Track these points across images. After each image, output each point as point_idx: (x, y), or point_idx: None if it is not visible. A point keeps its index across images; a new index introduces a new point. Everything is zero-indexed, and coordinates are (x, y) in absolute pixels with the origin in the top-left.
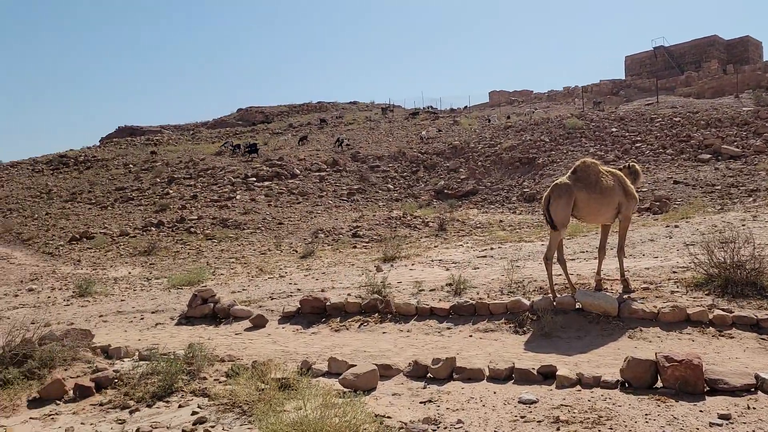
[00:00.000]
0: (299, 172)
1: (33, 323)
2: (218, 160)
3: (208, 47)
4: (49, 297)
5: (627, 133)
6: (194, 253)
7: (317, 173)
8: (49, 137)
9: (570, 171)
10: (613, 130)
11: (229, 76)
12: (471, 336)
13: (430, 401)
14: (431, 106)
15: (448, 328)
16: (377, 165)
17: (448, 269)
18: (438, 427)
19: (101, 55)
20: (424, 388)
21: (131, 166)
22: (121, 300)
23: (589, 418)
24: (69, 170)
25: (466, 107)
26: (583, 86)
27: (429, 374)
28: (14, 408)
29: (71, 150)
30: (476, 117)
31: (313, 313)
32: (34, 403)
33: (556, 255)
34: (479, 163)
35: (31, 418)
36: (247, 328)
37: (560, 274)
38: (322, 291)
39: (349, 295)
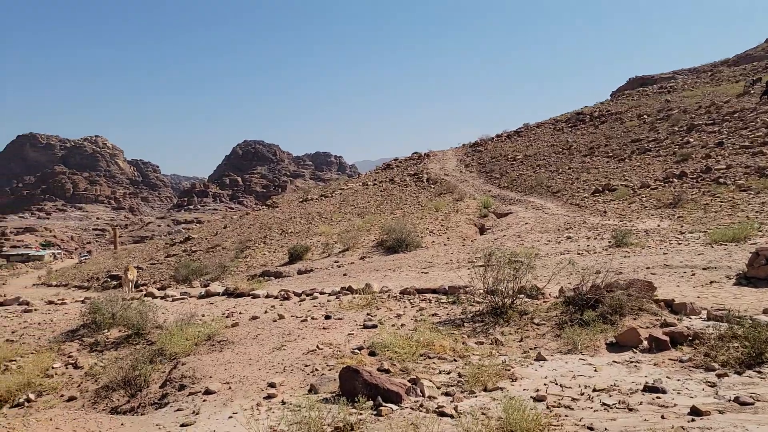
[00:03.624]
0: None
1: (583, 269)
2: (746, 101)
3: None
4: (587, 245)
5: None
6: (727, 206)
7: None
8: (565, 96)
9: None
10: None
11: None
12: None
13: None
14: None
15: None
16: None
17: None
18: None
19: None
20: None
21: (645, 116)
22: (664, 253)
23: None
24: (585, 126)
25: None
26: None
27: None
28: (595, 348)
29: (585, 107)
30: None
31: None
32: (611, 347)
33: None
34: None
35: (614, 361)
36: None
37: None
38: None
39: None
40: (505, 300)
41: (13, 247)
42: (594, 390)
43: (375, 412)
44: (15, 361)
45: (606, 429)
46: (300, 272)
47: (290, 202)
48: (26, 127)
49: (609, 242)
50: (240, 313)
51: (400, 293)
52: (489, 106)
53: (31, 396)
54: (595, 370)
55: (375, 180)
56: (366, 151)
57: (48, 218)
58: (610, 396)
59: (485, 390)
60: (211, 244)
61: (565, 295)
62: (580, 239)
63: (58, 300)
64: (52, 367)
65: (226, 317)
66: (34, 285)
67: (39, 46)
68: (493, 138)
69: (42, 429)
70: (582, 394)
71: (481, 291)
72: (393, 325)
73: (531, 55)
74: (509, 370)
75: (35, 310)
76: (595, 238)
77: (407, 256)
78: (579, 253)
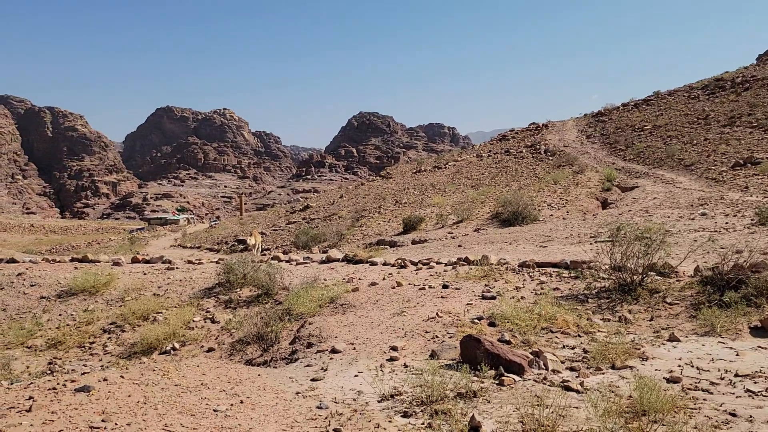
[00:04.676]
0: None
1: (722, 248)
2: None
3: None
4: (726, 223)
5: None
6: None
7: None
8: (701, 62)
9: None
10: None
11: None
12: None
13: None
14: None
15: None
16: None
17: None
18: None
19: None
20: None
21: None
22: None
23: None
24: (725, 93)
25: None
26: None
27: None
28: (737, 332)
29: (726, 72)
30: None
31: None
32: (756, 332)
33: None
34: None
35: (759, 347)
36: None
37: None
38: None
39: None
40: (634, 277)
41: (152, 212)
42: (736, 375)
43: (497, 382)
44: (161, 313)
45: (751, 416)
46: (414, 242)
47: (404, 173)
48: (164, 100)
49: (752, 220)
50: (359, 279)
51: (518, 266)
52: (614, 73)
53: (176, 345)
54: (737, 355)
55: (489, 151)
56: (480, 122)
57: (182, 185)
58: (755, 383)
59: (613, 368)
60: (328, 213)
61: (701, 275)
62: (717, 216)
63: (196, 260)
64: (193, 321)
65: (347, 282)
66: (171, 246)
67: (176, 25)
68: (618, 107)
69: (191, 374)
70: (722, 379)
71: (607, 267)
72: (512, 297)
73: (662, 17)
74: (639, 349)
75: (176, 268)
76: (734, 216)
77: (524, 230)
78: (716, 231)
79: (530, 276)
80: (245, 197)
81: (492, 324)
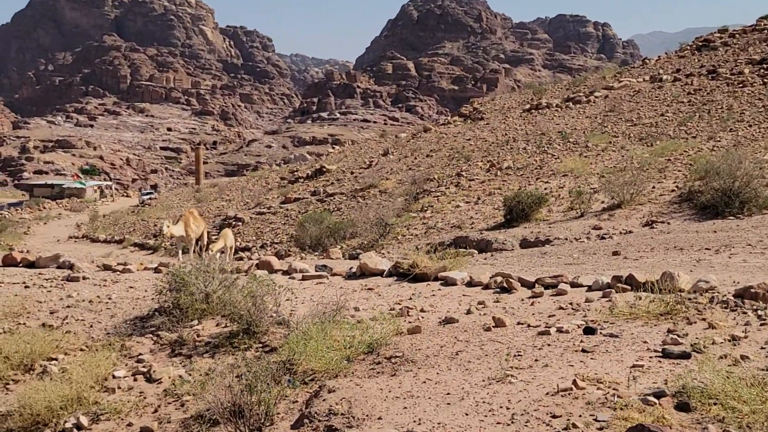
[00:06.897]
0: None
1: None
2: None
3: None
4: None
5: None
6: None
7: None
8: None
9: None
10: None
11: None
12: None
13: None
14: None
15: None
16: None
17: None
18: None
19: None
20: None
21: None
22: None
23: None
24: None
25: None
26: None
27: None
28: None
29: None
30: None
31: None
32: None
33: None
34: None
35: None
36: None
37: None
38: None
39: None
40: None
41: (38, 174)
42: None
43: None
44: (56, 360)
45: None
46: (526, 243)
47: (506, 111)
48: None
49: None
50: (422, 311)
51: (734, 296)
52: None
53: (83, 420)
54: None
55: (677, 71)
56: (656, 17)
57: (92, 126)
58: None
59: None
60: (360, 184)
61: None
62: None
63: (117, 265)
64: (113, 376)
65: (398, 315)
66: (71, 237)
67: None
68: None
69: None
70: None
71: None
72: (724, 357)
73: None
74: None
75: (84, 279)
76: None
77: (744, 225)
78: None
79: (759, 316)
80: (206, 150)
81: (683, 406)
